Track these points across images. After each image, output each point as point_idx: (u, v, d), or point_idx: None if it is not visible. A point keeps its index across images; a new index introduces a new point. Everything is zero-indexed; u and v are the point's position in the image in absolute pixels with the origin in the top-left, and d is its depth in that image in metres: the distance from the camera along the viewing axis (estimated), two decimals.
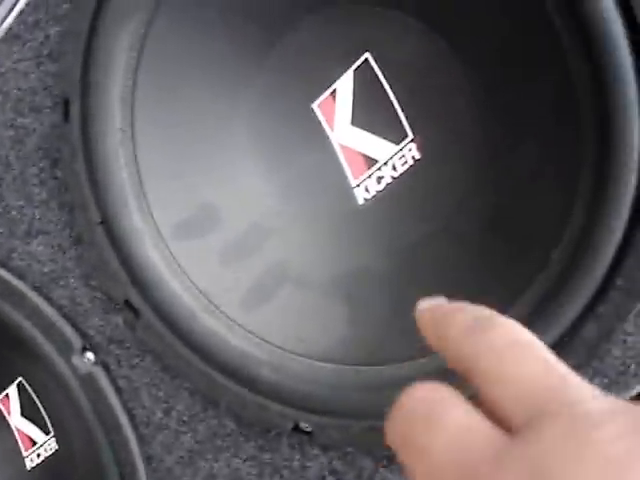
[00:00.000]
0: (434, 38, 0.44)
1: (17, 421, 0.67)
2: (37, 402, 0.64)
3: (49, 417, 0.64)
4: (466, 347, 0.23)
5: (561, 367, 0.22)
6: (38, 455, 0.66)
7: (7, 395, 0.66)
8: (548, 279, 0.39)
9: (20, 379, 0.64)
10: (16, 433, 0.67)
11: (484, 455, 0.20)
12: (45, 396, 0.63)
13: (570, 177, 0.37)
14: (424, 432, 0.21)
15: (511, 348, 0.22)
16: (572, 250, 0.38)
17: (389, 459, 0.45)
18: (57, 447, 0.64)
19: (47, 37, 0.49)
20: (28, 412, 0.66)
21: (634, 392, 0.39)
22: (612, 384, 0.40)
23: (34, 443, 0.66)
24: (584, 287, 0.38)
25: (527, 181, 0.41)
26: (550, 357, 0.22)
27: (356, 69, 0.46)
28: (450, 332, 0.24)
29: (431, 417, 0.22)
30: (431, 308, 0.27)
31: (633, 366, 0.39)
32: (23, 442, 0.67)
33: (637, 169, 0.35)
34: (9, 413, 0.67)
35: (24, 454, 0.67)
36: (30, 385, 0.64)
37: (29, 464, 0.67)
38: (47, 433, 0.64)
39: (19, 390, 0.65)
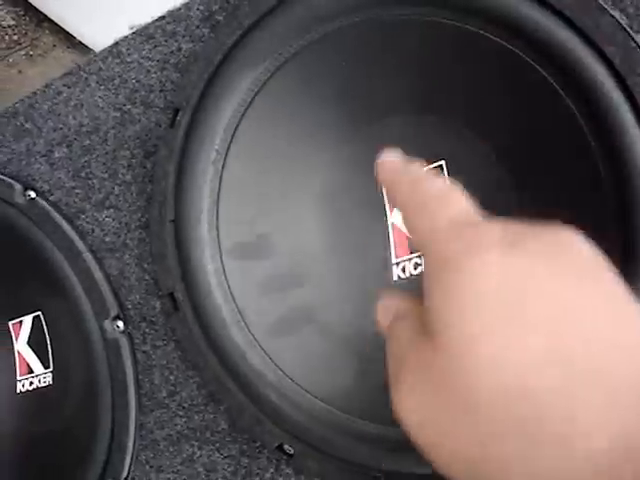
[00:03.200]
0: (499, 165, 0.52)
1: (21, 347, 0.73)
2: (47, 338, 0.70)
3: (53, 355, 0.70)
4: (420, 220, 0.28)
5: None
6: (31, 383, 0.71)
7: (21, 322, 0.72)
8: None
9: (39, 313, 0.70)
10: (17, 356, 0.73)
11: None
12: (57, 337, 0.69)
13: None
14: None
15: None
16: None
17: None
18: (51, 382, 0.70)
19: (179, 49, 0.56)
20: (34, 343, 0.71)
21: None
22: None
23: (31, 371, 0.72)
24: None
25: None
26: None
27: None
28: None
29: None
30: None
31: None
32: (20, 366, 0.73)
33: None
34: (16, 337, 0.73)
35: (18, 377, 0.73)
36: (46, 322, 0.70)
37: (19, 388, 0.72)
38: (46, 367, 0.70)
39: (34, 322, 0.71)
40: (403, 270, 0.54)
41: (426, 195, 0.28)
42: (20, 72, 1.08)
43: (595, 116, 0.45)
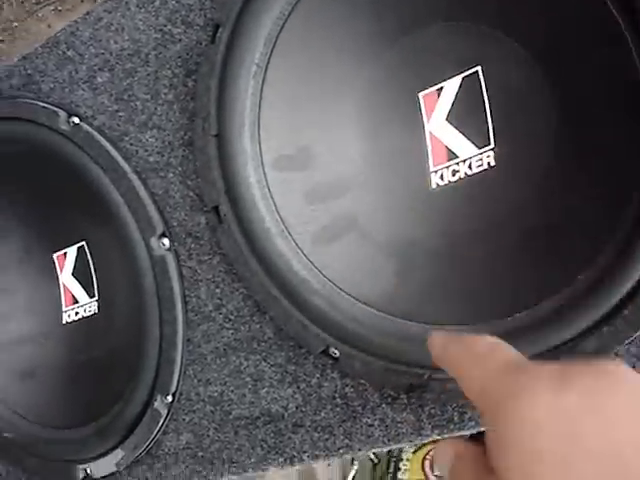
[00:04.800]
0: (535, 67, 0.52)
1: (66, 278, 0.75)
2: (91, 268, 0.72)
3: (98, 284, 0.72)
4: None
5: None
6: (76, 313, 0.74)
7: (65, 254, 0.74)
8: (571, 294, 0.48)
9: (83, 244, 0.72)
10: (62, 288, 0.75)
11: None
12: (102, 265, 0.71)
13: (614, 223, 0.46)
14: None
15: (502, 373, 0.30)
16: (597, 277, 0.47)
17: (393, 398, 0.54)
18: (97, 311, 0.72)
19: None
20: (79, 274, 0.74)
21: None
22: None
23: (76, 301, 0.74)
24: (598, 308, 0.46)
25: (577, 214, 0.49)
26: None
27: (465, 77, 0.54)
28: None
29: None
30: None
31: None
32: (66, 298, 0.75)
33: None
34: (61, 269, 0.75)
35: (63, 309, 0.75)
36: (90, 252, 0.72)
37: (65, 318, 0.75)
38: (91, 296, 0.72)
39: (78, 253, 0.73)
40: (441, 177, 0.55)
41: (476, 350, 0.32)
42: (49, 26, 1.10)
43: (629, 8, 0.46)
